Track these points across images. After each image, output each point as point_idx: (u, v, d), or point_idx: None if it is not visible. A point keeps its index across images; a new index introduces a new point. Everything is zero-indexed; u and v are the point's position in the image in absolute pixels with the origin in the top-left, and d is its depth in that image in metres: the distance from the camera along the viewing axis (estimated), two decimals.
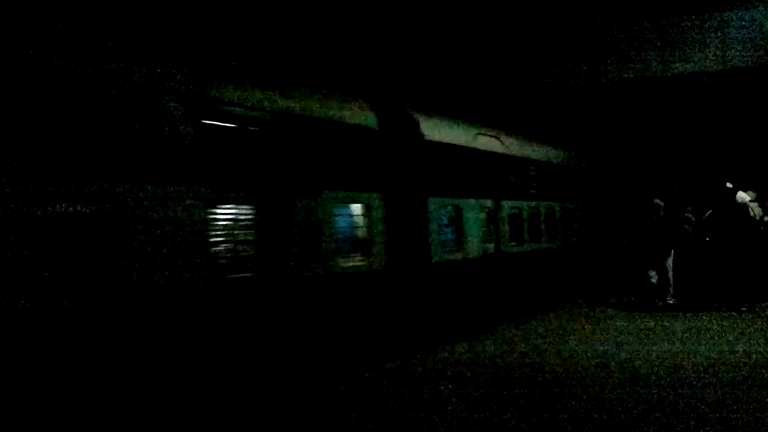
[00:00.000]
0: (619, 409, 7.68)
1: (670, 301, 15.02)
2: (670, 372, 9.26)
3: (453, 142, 12.51)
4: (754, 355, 10.08)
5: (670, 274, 15.07)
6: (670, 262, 15.07)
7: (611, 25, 19.70)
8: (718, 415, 7.35)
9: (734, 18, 19.06)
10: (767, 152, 21.34)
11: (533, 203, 15.46)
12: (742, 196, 14.91)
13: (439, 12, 19.18)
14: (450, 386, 8.85)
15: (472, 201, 12.79)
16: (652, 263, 15.07)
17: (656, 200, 15.39)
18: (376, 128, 10.44)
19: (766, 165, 20.41)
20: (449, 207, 12.12)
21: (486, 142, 13.85)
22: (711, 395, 8.08)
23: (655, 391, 8.35)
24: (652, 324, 13.22)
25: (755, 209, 15.30)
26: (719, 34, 19.14)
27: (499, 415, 7.60)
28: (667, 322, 13.40)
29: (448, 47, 20.11)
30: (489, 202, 13.49)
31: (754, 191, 15.70)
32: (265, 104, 8.46)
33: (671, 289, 15.10)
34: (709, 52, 19.28)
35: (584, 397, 8.23)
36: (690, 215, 15.15)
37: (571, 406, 7.86)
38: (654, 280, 15.05)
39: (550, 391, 8.54)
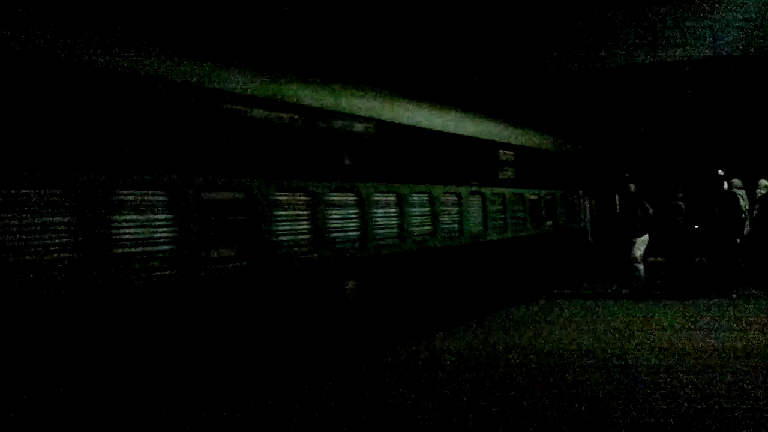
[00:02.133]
0: (609, 397, 7.57)
1: (641, 289, 14.87)
2: (660, 359, 9.17)
3: None
4: (744, 342, 10.01)
5: (637, 261, 14.90)
6: (639, 248, 14.88)
7: (599, 11, 19.55)
8: (711, 402, 7.25)
9: (724, 5, 18.95)
10: (756, 140, 21.34)
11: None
12: (735, 182, 14.87)
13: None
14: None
15: None
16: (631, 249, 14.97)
17: (630, 185, 15.30)
18: None
19: (755, 153, 20.39)
20: None
21: None
22: (704, 383, 7.98)
23: (647, 378, 8.25)
24: (640, 311, 13.16)
25: (744, 197, 15.25)
26: (709, 21, 19.03)
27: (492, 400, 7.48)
28: (657, 309, 13.34)
29: (430, 32, 19.88)
30: None
31: (740, 179, 15.63)
32: None
33: (641, 276, 14.91)
34: (699, 39, 19.17)
35: (571, 383, 8.11)
36: (680, 202, 15.05)
37: (561, 391, 7.75)
38: (638, 272, 14.89)
39: (541, 378, 8.43)
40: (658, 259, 16.21)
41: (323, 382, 8.53)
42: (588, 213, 19.39)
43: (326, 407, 7.53)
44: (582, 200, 19.42)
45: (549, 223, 16.81)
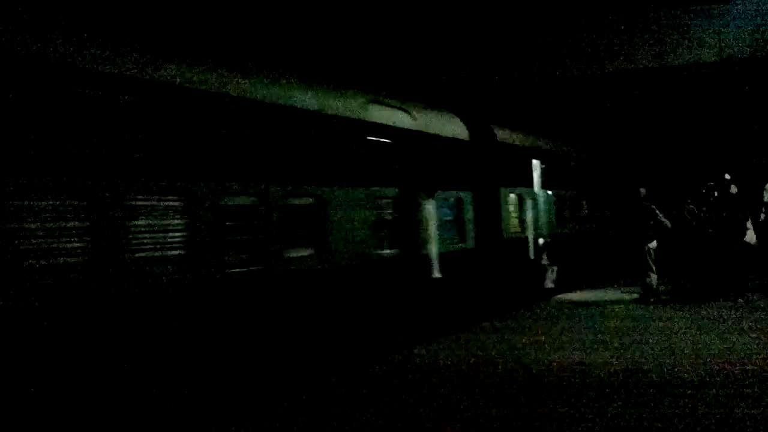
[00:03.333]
0: (618, 402, 7.58)
1: (652, 299, 14.67)
2: (668, 367, 9.13)
3: None
4: (755, 347, 9.96)
5: (651, 269, 14.76)
6: (648, 254, 14.76)
7: (607, 16, 19.55)
8: (717, 411, 7.24)
9: (731, 9, 18.92)
10: (762, 144, 21.23)
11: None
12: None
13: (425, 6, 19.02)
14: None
15: None
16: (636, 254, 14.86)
17: (640, 189, 15.15)
18: None
19: (761, 156, 20.29)
20: None
21: None
22: (711, 392, 7.96)
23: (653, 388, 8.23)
24: (650, 315, 13.12)
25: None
26: (716, 25, 19.00)
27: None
28: (667, 313, 13.28)
29: (436, 39, 19.94)
30: None
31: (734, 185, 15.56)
32: None
33: (653, 283, 14.75)
34: (706, 43, 19.14)
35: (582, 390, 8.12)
36: (692, 206, 14.96)
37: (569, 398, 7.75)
38: (650, 278, 14.79)
39: (548, 384, 8.46)
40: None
41: None
42: (430, 228, 12.24)
43: None
44: (423, 207, 12.12)
45: (302, 253, 9.26)
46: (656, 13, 19.32)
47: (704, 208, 14.94)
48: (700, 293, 14.50)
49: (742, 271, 14.66)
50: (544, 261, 16.45)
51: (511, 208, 15.34)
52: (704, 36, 19.10)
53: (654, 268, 14.70)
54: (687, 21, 19.15)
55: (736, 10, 18.80)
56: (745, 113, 21.84)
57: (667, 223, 14.59)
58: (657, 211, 14.75)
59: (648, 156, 23.80)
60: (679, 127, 23.16)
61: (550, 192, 17.13)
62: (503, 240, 14.75)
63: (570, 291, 16.90)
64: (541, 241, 16.36)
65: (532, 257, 16.03)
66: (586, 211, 20.08)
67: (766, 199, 15.34)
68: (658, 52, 19.25)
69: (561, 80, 20.10)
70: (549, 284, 16.52)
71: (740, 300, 14.12)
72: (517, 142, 15.88)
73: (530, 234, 16.02)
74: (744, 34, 18.73)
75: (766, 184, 15.57)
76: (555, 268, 16.71)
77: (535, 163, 16.52)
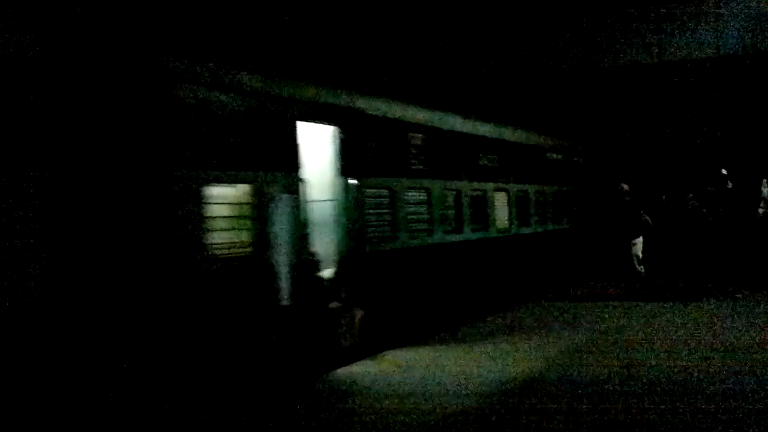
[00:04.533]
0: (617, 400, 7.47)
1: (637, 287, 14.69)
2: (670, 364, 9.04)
3: None
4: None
5: (635, 262, 14.73)
6: (636, 250, 14.73)
7: (604, 11, 19.48)
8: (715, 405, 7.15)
9: (729, 4, 18.85)
10: (760, 139, 21.18)
11: None
12: None
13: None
14: None
15: None
16: (623, 250, 14.83)
17: (622, 184, 15.08)
18: None
19: (759, 152, 20.23)
20: None
21: None
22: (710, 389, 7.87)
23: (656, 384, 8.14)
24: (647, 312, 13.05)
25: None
26: (713, 21, 18.93)
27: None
28: (666, 310, 13.21)
29: (438, 34, 19.84)
30: None
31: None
32: None
33: (641, 274, 14.80)
34: (703, 38, 19.07)
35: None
36: (695, 202, 14.90)
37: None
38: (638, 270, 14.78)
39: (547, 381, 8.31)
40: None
41: None
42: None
43: None
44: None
45: None
46: (654, 8, 19.25)
47: (704, 204, 14.92)
48: (699, 290, 14.44)
49: (740, 267, 14.64)
50: (334, 304, 9.68)
51: (219, 210, 8.00)
52: (702, 32, 19.02)
53: (641, 259, 14.69)
54: (685, 17, 19.08)
55: (735, 6, 18.74)
56: (742, 109, 21.77)
57: (648, 219, 14.62)
58: (643, 212, 14.76)
59: (636, 152, 23.67)
60: (676, 123, 23.06)
61: (355, 181, 10.11)
62: (186, 275, 7.40)
63: (390, 349, 10.29)
64: (328, 272, 9.71)
65: (286, 301, 8.71)
66: (471, 212, 13.35)
67: (764, 194, 15.31)
68: (658, 47, 19.18)
69: (560, 75, 20.05)
70: (346, 342, 9.74)
71: (738, 296, 14.07)
72: (253, 86, 8.65)
73: (283, 257, 8.74)
74: (742, 31, 18.67)
75: (763, 179, 15.54)
76: (359, 313, 9.99)
77: (316, 129, 9.67)
